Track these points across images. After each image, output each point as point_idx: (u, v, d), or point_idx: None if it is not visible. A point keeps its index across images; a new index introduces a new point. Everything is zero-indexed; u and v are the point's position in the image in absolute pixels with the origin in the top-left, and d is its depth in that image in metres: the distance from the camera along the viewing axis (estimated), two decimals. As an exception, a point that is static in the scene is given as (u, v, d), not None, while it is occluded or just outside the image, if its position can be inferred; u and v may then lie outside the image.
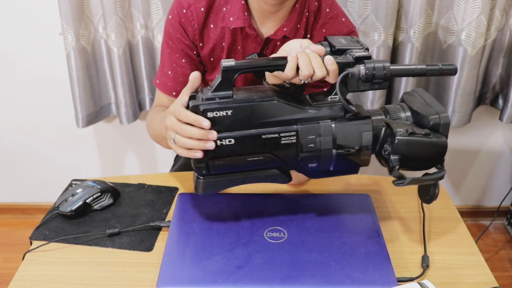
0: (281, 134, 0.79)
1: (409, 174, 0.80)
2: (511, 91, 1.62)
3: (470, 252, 0.89)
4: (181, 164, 1.34)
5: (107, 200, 0.99)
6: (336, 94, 0.80)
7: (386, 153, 0.81)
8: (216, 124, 0.77)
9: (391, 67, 0.78)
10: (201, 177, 0.82)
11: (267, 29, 1.04)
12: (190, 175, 1.10)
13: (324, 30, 1.07)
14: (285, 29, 1.02)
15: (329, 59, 0.78)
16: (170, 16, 1.07)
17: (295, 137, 0.80)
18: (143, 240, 0.91)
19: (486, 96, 1.72)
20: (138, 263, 0.86)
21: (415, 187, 1.06)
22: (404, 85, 1.60)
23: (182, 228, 0.89)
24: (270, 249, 0.84)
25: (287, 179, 0.86)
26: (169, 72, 1.10)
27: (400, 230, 0.94)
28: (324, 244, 0.85)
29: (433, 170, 0.83)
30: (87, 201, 0.97)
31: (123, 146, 1.93)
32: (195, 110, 0.77)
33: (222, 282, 0.77)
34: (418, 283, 0.76)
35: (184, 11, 1.04)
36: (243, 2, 1.01)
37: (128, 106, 1.66)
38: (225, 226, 0.89)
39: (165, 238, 0.88)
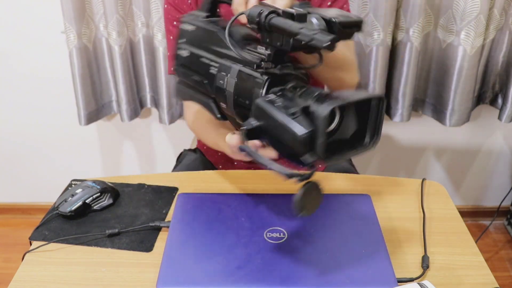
0: (211, 63, 0.82)
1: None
2: (510, 90, 1.63)
3: (470, 252, 0.89)
4: (184, 164, 1.34)
5: (106, 201, 0.99)
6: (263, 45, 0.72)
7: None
8: (184, 35, 0.88)
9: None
10: (177, 83, 0.94)
11: None
12: (190, 175, 1.11)
13: None
14: None
15: None
16: (166, 6, 1.11)
17: (216, 69, 0.80)
18: (143, 241, 0.91)
19: (486, 96, 1.72)
20: (138, 263, 0.86)
21: (416, 188, 1.06)
22: (404, 82, 1.60)
23: (182, 228, 0.89)
24: (270, 249, 0.83)
25: (218, 114, 0.85)
26: None
27: (400, 230, 0.93)
28: (324, 244, 0.85)
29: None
30: (86, 201, 0.97)
31: (123, 144, 1.93)
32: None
33: (222, 282, 0.77)
34: (418, 283, 0.76)
35: None
36: None
37: (129, 103, 1.67)
38: (225, 226, 0.89)
39: (165, 238, 0.88)
